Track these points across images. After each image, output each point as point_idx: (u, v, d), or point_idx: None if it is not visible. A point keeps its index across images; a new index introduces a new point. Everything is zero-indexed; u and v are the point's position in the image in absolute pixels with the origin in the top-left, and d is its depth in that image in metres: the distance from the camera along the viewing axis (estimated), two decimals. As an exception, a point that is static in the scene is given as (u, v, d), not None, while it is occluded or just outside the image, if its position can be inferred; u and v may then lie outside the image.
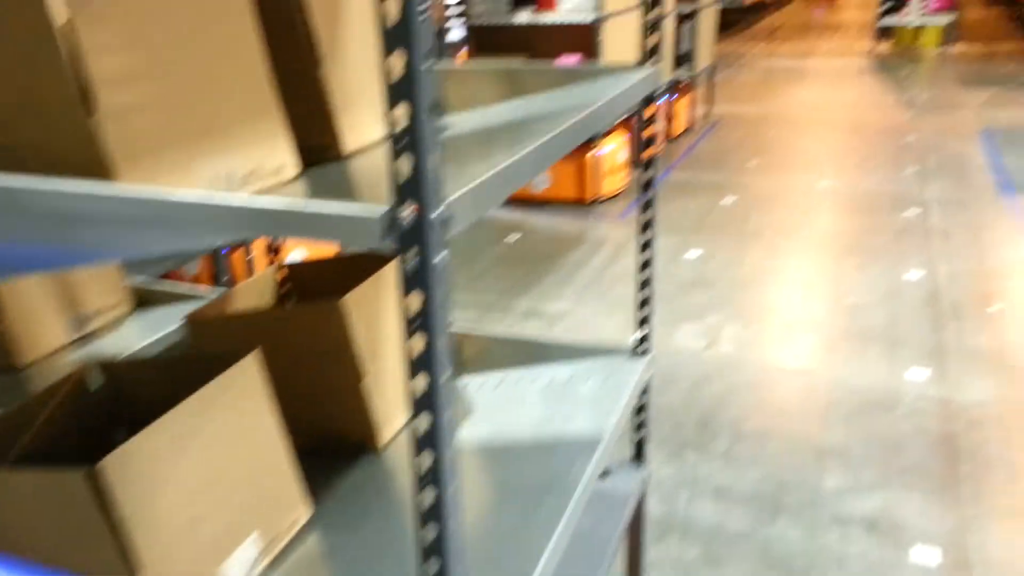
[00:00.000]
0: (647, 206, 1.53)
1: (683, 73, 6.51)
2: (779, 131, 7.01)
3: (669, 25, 5.97)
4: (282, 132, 1.11)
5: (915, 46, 11.00)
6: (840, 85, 9.10)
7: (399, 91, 0.61)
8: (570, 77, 1.46)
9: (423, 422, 0.71)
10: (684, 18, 6.50)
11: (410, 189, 0.65)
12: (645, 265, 1.56)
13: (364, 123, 1.25)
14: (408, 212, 0.65)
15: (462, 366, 1.71)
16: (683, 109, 6.75)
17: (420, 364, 0.69)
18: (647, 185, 1.52)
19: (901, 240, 4.46)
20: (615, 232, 4.75)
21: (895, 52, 10.97)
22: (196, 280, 3.23)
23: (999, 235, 4.42)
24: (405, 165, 0.64)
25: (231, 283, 3.07)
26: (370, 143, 1.23)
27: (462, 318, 3.70)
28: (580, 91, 1.34)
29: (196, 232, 0.75)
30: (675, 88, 6.56)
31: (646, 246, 1.55)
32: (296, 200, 0.70)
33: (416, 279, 0.67)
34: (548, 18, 4.79)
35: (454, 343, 1.80)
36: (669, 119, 6.59)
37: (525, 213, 5.15)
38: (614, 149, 5.24)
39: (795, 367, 3.18)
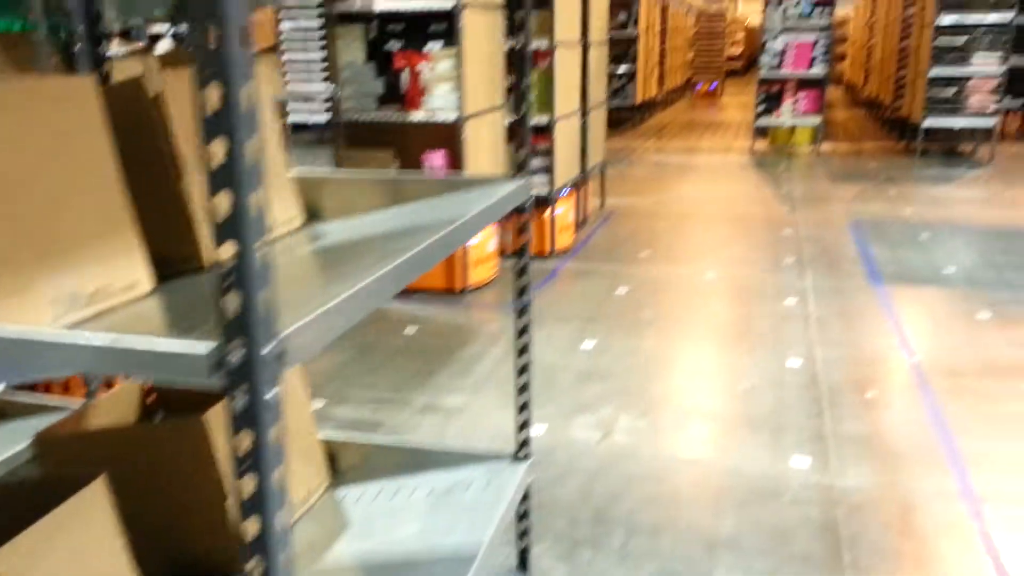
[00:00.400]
0: (522, 312, 1.55)
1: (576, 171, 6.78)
2: (668, 223, 7.34)
3: (571, 125, 6.24)
4: (136, 247, 1.07)
5: (789, 144, 11.87)
6: (723, 180, 9.67)
7: (226, 230, 0.60)
8: (444, 187, 1.49)
9: (256, 568, 0.67)
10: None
11: (239, 326, 0.63)
12: (523, 370, 1.57)
13: (230, 234, 1.22)
14: (236, 349, 0.63)
15: (341, 476, 1.65)
16: (580, 202, 6.98)
17: (251, 506, 0.66)
18: (521, 293, 1.54)
19: (782, 328, 4.68)
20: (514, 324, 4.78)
21: (772, 150, 11.80)
22: (66, 388, 3.03)
23: (870, 322, 4.71)
24: (233, 302, 0.62)
25: (102, 391, 2.89)
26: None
27: (355, 415, 3.60)
28: (452, 202, 1.37)
29: (11, 368, 0.70)
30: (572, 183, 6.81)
31: (523, 351, 1.56)
32: (117, 336, 0.67)
33: (246, 417, 0.65)
34: (413, 116, 4.96)
35: (333, 452, 1.74)
36: (571, 209, 6.82)
37: (424, 305, 5.14)
38: (483, 240, 5.35)
39: (687, 456, 3.23)
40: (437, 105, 4.88)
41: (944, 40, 9.77)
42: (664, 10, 17.70)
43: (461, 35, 4.67)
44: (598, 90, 7.20)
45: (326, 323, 0.74)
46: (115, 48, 5.12)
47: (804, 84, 10.81)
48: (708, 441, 3.36)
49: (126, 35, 4.98)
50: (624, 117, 16.02)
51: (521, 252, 1.53)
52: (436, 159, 5.08)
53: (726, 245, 6.60)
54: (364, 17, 4.89)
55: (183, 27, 4.76)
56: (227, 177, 0.59)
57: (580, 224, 7.10)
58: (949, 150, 11.14)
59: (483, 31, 4.99)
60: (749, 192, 8.96)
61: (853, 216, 7.45)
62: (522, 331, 1.53)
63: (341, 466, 1.69)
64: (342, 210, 1.49)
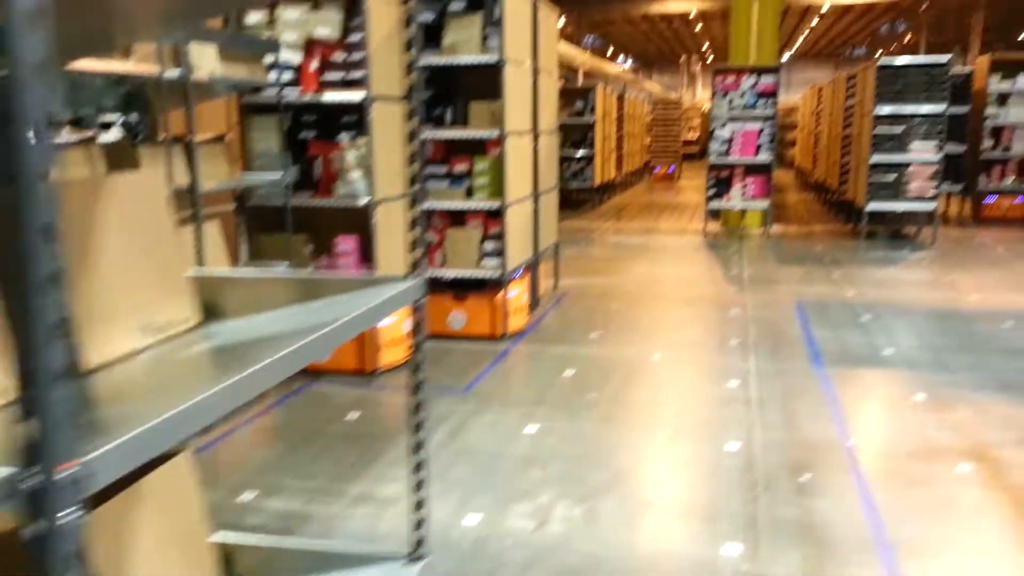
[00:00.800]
0: (417, 409, 1.57)
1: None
2: (620, 304, 7.45)
3: (523, 209, 6.37)
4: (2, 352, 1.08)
5: (741, 227, 12.21)
6: (676, 261, 9.89)
7: (24, 356, 0.63)
8: (338, 287, 1.53)
9: None
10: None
11: (36, 452, 0.65)
12: (418, 467, 1.58)
13: (112, 337, 1.24)
14: (31, 476, 0.65)
15: (236, 579, 1.62)
16: (532, 284, 7.07)
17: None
18: (416, 390, 1.57)
19: (723, 411, 4.73)
20: (460, 407, 4.77)
21: (724, 232, 12.13)
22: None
23: (809, 405, 4.78)
24: (31, 428, 0.64)
25: None
26: (119, 356, 1.22)
27: (286, 507, 3.53)
28: (339, 303, 1.40)
29: None
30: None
31: (418, 447, 1.58)
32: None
33: (43, 543, 0.66)
34: (324, 202, 5.11)
35: (228, 554, 1.71)
36: (524, 291, 6.90)
37: (368, 390, 5.11)
38: (396, 321, 5.40)
39: (621, 545, 3.21)
40: (347, 191, 5.03)
41: (883, 129, 10.26)
42: (620, 98, 18.38)
43: (371, 126, 4.88)
44: (549, 175, 7.40)
45: (139, 444, 0.76)
46: (65, 136, 5.17)
47: (752, 170, 11.21)
48: (643, 529, 3.35)
49: (76, 123, 5.04)
50: (584, 198, 16.41)
51: (416, 348, 1.57)
52: (347, 243, 5.16)
53: (675, 326, 6.70)
54: (279, 108, 5.06)
55: (133, 117, 4.84)
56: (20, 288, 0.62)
57: (533, 305, 7.17)
58: (894, 233, 11.54)
59: (394, 121, 5.21)
60: (700, 273, 9.16)
61: (798, 297, 7.64)
62: (417, 427, 1.55)
63: (237, 569, 1.66)
64: (238, 309, 1.52)
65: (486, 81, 5.82)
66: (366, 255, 5.20)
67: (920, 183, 10.33)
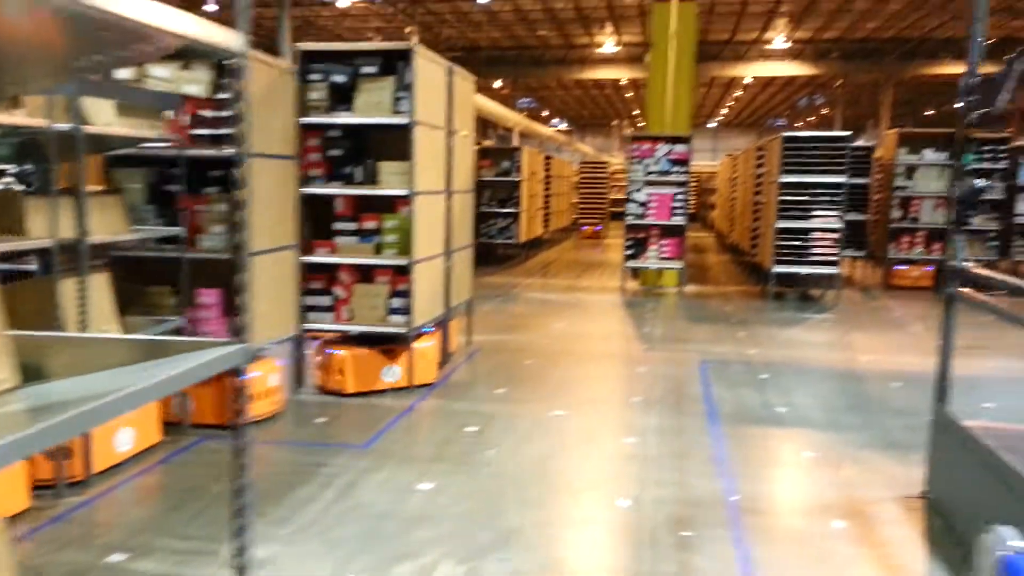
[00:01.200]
0: (239, 493, 1.58)
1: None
2: (532, 360, 7.53)
3: (433, 267, 6.42)
4: None
5: (657, 286, 12.54)
6: (593, 318, 10.07)
7: None
8: (165, 349, 1.54)
9: None
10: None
11: None
12: (241, 530, 1.58)
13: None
14: None
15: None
16: (443, 340, 7.09)
17: None
18: (239, 472, 1.58)
19: (618, 467, 4.80)
20: (356, 464, 4.72)
21: (642, 290, 12.43)
22: None
23: (700, 462, 4.90)
24: None
25: None
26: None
27: (155, 570, 3.41)
28: (159, 366, 1.42)
29: None
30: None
31: (241, 511, 1.58)
32: None
33: None
34: (192, 254, 5.19)
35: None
36: (434, 346, 6.92)
37: (259, 444, 5.01)
38: (262, 375, 5.38)
39: (498, 605, 3.20)
40: (212, 244, 5.10)
41: (788, 196, 10.78)
42: (548, 158, 18.86)
43: (242, 181, 4.89)
44: (464, 233, 7.50)
45: None
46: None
47: (667, 232, 11.59)
48: (522, 588, 3.35)
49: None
50: (511, 254, 16.62)
51: (237, 413, 1.58)
52: (210, 296, 5.15)
53: (582, 383, 6.80)
54: (146, 160, 5.08)
55: (28, 166, 4.75)
56: None
57: (443, 361, 7.18)
58: (802, 295, 12.03)
59: (267, 177, 5.30)
60: (614, 330, 9.35)
61: (704, 356, 7.86)
62: (238, 492, 1.56)
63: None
64: (61, 371, 1.52)
65: (398, 142, 5.93)
66: (229, 309, 5.18)
67: (824, 248, 10.85)
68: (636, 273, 12.70)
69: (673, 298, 11.78)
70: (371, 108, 5.87)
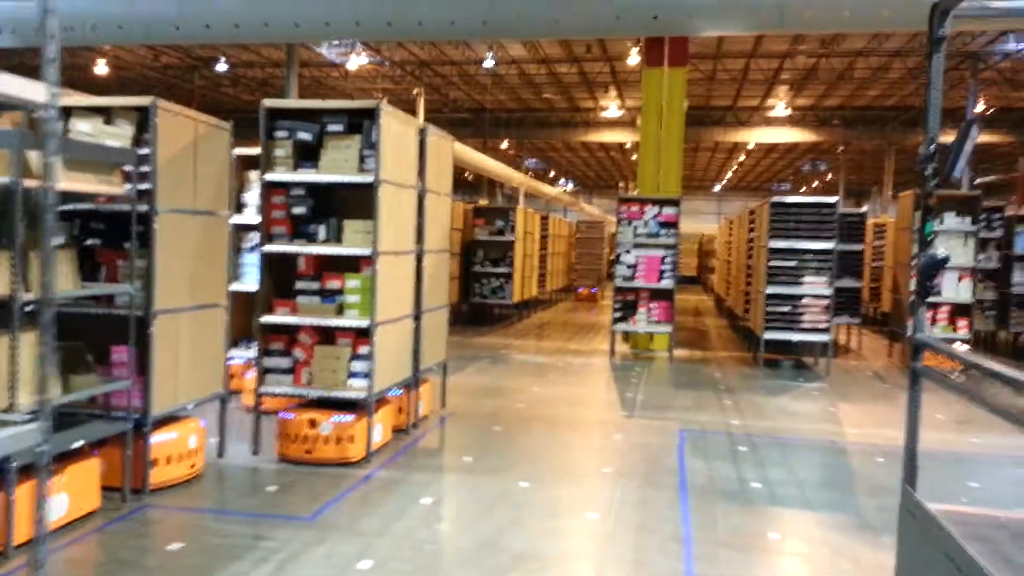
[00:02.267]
0: None
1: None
2: (505, 426, 7.31)
3: (399, 329, 6.28)
4: None
5: (648, 349, 12.33)
6: (577, 382, 9.86)
7: None
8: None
9: None
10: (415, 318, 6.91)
11: None
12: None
13: None
14: None
15: None
16: (411, 404, 6.91)
17: None
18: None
19: (577, 545, 4.56)
20: (299, 536, 4.50)
21: (631, 354, 12.22)
22: None
23: (662, 540, 4.65)
24: None
25: None
26: None
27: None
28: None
29: None
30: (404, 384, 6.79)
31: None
32: None
33: None
34: (108, 309, 5.04)
35: None
36: (400, 411, 6.74)
37: (198, 514, 4.80)
38: (178, 437, 5.22)
39: None
40: (124, 301, 4.93)
41: (777, 262, 10.65)
42: (544, 218, 18.86)
43: (155, 237, 4.91)
44: (438, 294, 7.38)
45: None
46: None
47: (656, 295, 11.45)
48: None
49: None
50: (504, 314, 16.48)
51: (39, 522, 1.43)
52: (121, 353, 4.95)
53: (553, 452, 6.57)
54: (66, 215, 5.01)
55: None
56: None
57: (412, 425, 6.98)
58: (795, 362, 11.79)
59: (185, 232, 5.25)
60: (596, 395, 9.13)
61: (684, 425, 7.62)
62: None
63: None
64: None
65: (365, 200, 5.85)
66: (142, 367, 4.98)
67: (814, 314, 10.66)
68: (627, 336, 12.52)
69: (662, 363, 11.56)
70: (337, 166, 5.82)
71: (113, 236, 5.14)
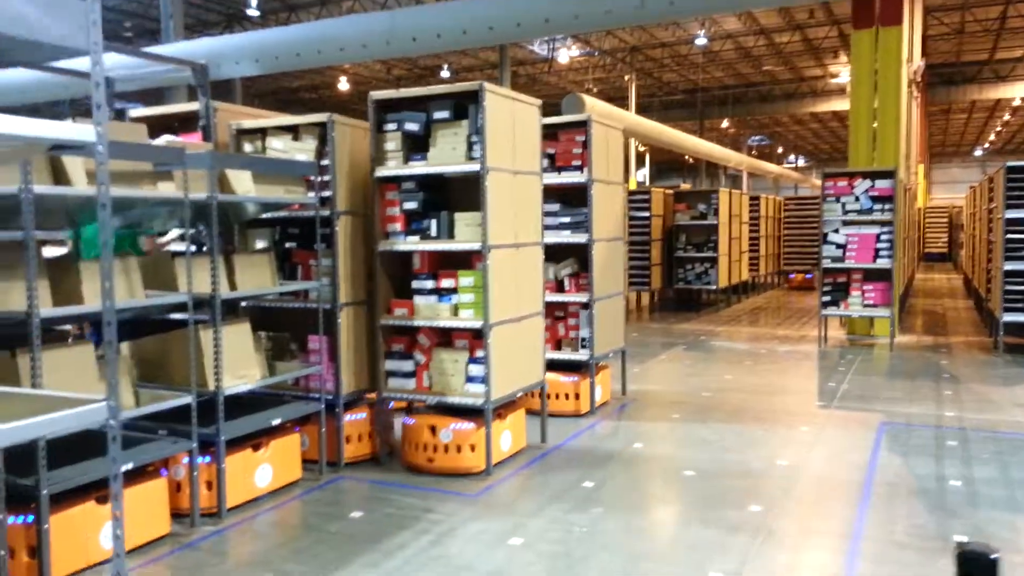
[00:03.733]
0: None
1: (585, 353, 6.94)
2: (684, 414, 7.19)
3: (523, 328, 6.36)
4: None
5: (868, 335, 11.36)
6: (777, 370, 9.37)
7: None
8: (40, 404, 1.78)
9: None
10: (584, 306, 7.03)
11: None
12: None
13: None
14: None
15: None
16: (586, 389, 7.03)
17: None
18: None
19: (723, 540, 4.44)
20: (462, 510, 4.82)
21: (847, 340, 11.33)
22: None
23: (825, 537, 4.38)
24: None
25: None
26: None
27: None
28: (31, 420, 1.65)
29: None
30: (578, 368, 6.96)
31: None
32: None
33: None
34: (300, 304, 5.58)
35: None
36: (577, 397, 6.91)
37: (383, 487, 5.31)
38: (366, 417, 5.45)
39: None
40: (315, 296, 5.48)
41: (1015, 234, 9.34)
42: (754, 199, 17.94)
43: (336, 237, 5.47)
44: (609, 282, 7.38)
45: None
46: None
47: (871, 276, 10.51)
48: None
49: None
50: (712, 300, 16.01)
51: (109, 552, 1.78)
52: (318, 342, 5.52)
53: (725, 441, 6.34)
54: (270, 222, 5.83)
55: (193, 229, 5.52)
56: None
57: (590, 412, 7.10)
58: (1046, 347, 10.26)
59: (358, 232, 5.70)
60: (795, 384, 8.63)
61: (889, 417, 6.99)
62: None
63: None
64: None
65: (478, 191, 5.38)
66: (333, 355, 5.57)
67: (1068, 293, 9.21)
68: (844, 322, 11.63)
69: (881, 350, 10.60)
70: (445, 155, 5.46)
71: (307, 239, 5.80)
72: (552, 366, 7.16)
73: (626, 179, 26.80)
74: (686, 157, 36.11)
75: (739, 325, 13.35)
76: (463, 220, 5.49)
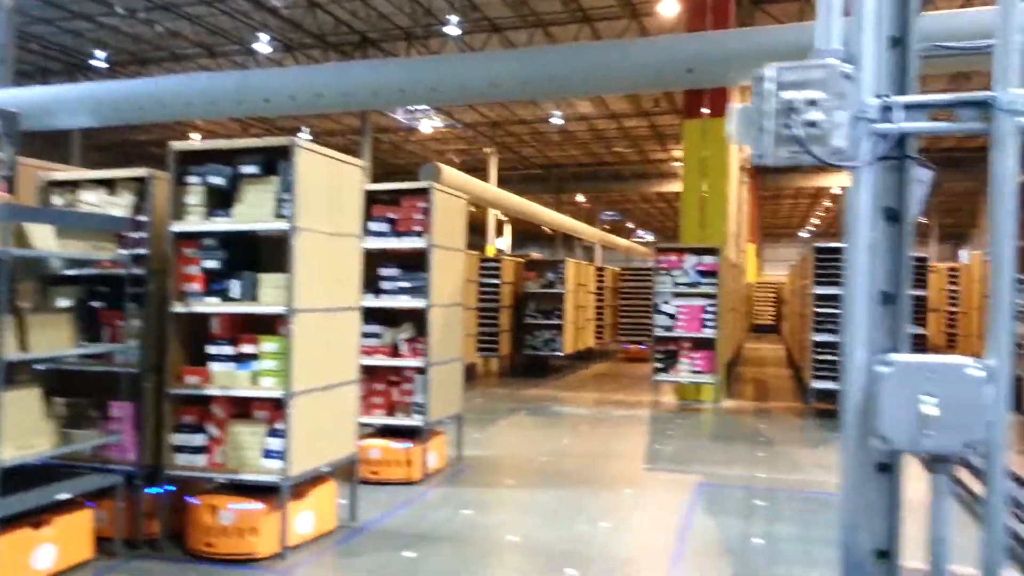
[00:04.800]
0: None
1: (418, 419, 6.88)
2: (517, 479, 7.26)
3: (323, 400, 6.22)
4: None
5: (696, 400, 12.00)
6: (612, 434, 9.67)
7: None
8: None
9: None
10: (419, 371, 7.01)
11: None
12: None
13: None
14: None
15: None
16: (419, 456, 6.94)
17: None
18: None
19: (538, 601, 4.46)
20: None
21: (679, 406, 11.92)
22: None
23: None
24: None
25: None
26: None
27: None
28: None
29: None
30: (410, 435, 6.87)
31: None
32: None
33: None
34: (108, 367, 5.11)
35: None
36: (408, 463, 6.80)
37: (180, 565, 4.96)
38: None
39: None
40: (124, 359, 5.09)
41: (822, 308, 10.27)
42: (600, 269, 18.77)
43: (148, 297, 5.19)
44: (447, 348, 7.43)
45: None
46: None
47: (698, 344, 11.19)
48: None
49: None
50: (559, 366, 16.41)
51: None
52: (122, 409, 5.18)
53: (551, 506, 6.42)
54: (75, 279, 5.42)
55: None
56: None
57: (424, 478, 6.99)
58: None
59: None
60: (626, 448, 8.93)
61: (707, 479, 7.36)
62: None
63: None
64: None
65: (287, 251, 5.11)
66: (139, 423, 5.16)
67: (866, 363, 10.15)
68: (672, 387, 12.24)
69: (706, 414, 11.22)
70: (252, 213, 5.15)
71: (118, 298, 5.38)
72: (385, 432, 7.07)
73: (483, 247, 27.45)
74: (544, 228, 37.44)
75: (581, 391, 13.74)
76: (269, 282, 5.12)
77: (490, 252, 25.35)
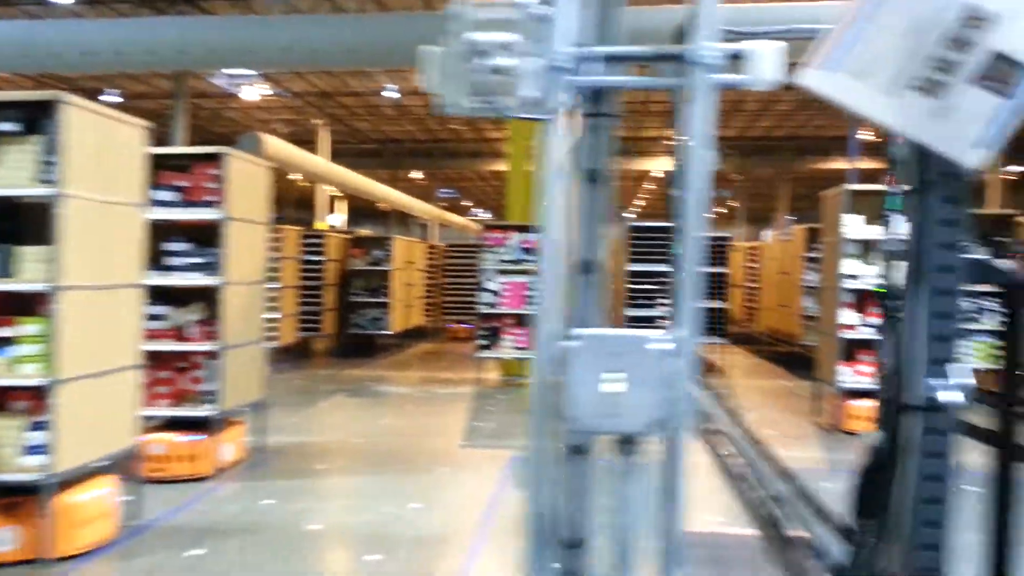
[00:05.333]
0: None
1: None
2: (328, 465, 6.99)
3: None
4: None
5: (520, 375, 12.15)
6: (433, 412, 9.59)
7: None
8: None
9: None
10: (210, 355, 6.45)
11: None
12: None
13: None
14: None
15: None
16: (210, 449, 6.37)
17: None
18: None
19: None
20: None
21: (503, 382, 12.02)
22: None
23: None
24: None
25: None
26: None
27: None
28: None
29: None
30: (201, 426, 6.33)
31: None
32: None
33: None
34: None
35: None
36: (192, 459, 6.24)
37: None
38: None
39: None
40: None
41: (635, 284, 10.70)
42: (432, 247, 18.64)
43: None
44: (245, 330, 6.89)
45: None
46: None
47: (522, 321, 11.33)
48: None
49: None
50: (387, 345, 16.10)
51: None
52: None
53: (358, 493, 6.19)
54: None
55: None
56: None
57: (217, 472, 6.43)
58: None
59: None
60: (445, 426, 8.85)
61: (521, 451, 7.41)
62: None
63: None
64: None
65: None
66: None
67: (675, 337, 10.70)
68: (495, 363, 12.33)
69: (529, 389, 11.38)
70: (9, 176, 4.57)
71: None
72: (173, 425, 6.46)
73: (312, 223, 26.39)
74: (378, 205, 36.66)
75: (407, 370, 13.55)
76: (30, 255, 4.54)
77: (322, 228, 24.46)
